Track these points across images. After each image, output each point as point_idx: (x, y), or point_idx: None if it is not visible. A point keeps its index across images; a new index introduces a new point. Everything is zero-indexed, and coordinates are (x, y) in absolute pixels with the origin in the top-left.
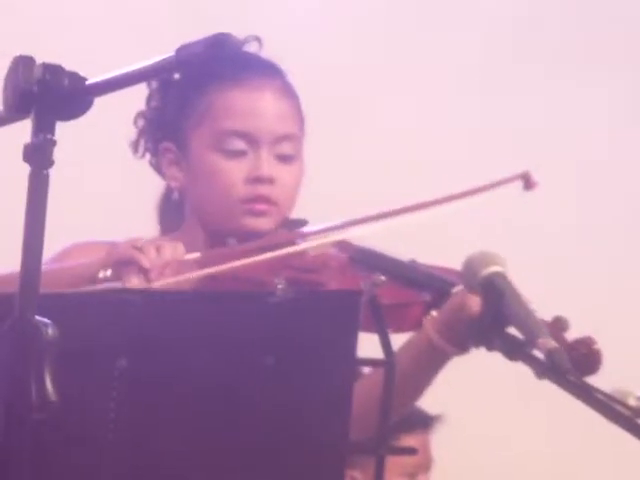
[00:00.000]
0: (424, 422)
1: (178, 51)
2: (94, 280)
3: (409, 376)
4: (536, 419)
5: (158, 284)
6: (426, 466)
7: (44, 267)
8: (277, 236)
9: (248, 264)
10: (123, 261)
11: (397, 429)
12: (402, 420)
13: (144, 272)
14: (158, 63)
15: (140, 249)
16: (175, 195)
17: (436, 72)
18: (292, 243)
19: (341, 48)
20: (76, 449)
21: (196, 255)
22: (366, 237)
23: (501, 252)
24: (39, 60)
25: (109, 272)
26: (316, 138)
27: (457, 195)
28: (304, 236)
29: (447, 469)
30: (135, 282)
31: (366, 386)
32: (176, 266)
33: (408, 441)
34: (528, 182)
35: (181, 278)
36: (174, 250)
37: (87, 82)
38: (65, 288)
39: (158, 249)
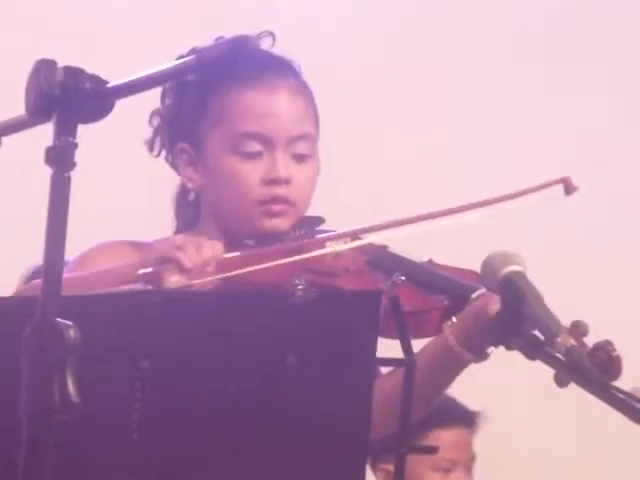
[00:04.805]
0: (463, 418)
1: (199, 53)
2: (134, 278)
3: (425, 381)
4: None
5: (198, 282)
6: (464, 463)
7: (86, 273)
8: (302, 239)
9: (269, 267)
10: (164, 259)
11: (433, 424)
12: (440, 415)
13: (184, 271)
14: (179, 65)
15: (181, 247)
16: (191, 195)
17: (446, 70)
18: (316, 246)
19: (342, 47)
20: (100, 450)
21: (235, 254)
22: (387, 241)
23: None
24: (61, 64)
25: (149, 270)
26: (327, 139)
27: (493, 200)
28: (326, 240)
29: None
30: (175, 280)
31: (384, 387)
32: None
33: (444, 436)
34: (568, 187)
35: (221, 276)
36: (214, 249)
37: (108, 85)
38: (109, 288)
39: (198, 248)
